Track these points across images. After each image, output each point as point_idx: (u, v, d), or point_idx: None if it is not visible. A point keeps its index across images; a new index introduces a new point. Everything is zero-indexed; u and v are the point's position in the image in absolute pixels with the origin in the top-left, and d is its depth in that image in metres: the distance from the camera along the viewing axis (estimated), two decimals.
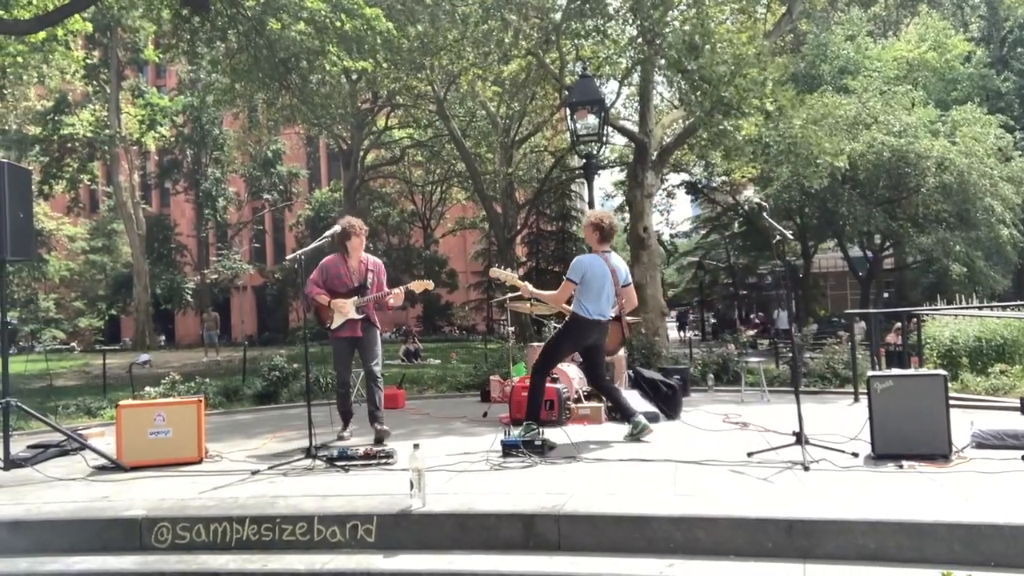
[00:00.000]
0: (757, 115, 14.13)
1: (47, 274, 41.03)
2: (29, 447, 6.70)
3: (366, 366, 6.81)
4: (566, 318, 6.59)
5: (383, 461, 5.67)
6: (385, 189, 41.61)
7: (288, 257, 7.03)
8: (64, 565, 4.30)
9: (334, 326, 6.71)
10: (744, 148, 15.33)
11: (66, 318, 44.17)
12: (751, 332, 24.88)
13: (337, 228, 6.59)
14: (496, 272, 6.97)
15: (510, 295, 9.95)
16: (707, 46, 13.02)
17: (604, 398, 7.13)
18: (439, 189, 40.36)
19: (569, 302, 6.54)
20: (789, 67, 18.20)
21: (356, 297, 6.69)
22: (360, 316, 6.71)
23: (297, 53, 14.91)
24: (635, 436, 6.24)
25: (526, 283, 6.81)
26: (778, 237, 5.73)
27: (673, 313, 43.80)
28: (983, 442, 5.35)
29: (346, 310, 6.65)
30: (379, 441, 6.41)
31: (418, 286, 7.04)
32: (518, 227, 30.80)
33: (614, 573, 3.74)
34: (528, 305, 9.33)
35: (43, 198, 34.45)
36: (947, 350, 10.63)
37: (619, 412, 6.66)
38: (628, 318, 9.26)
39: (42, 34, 15.72)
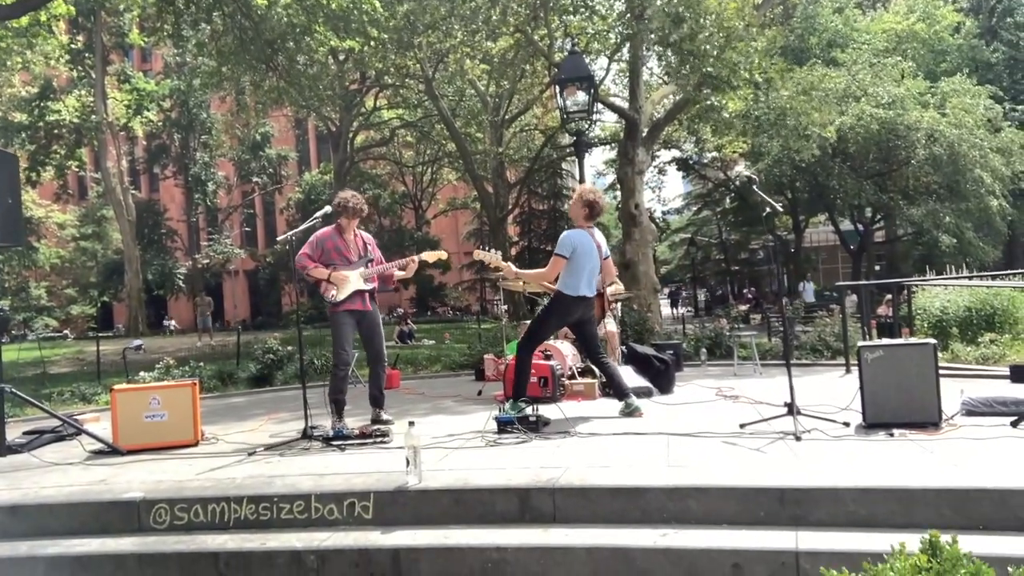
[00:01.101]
0: (746, 88, 14.09)
1: (38, 262, 40.82)
2: (25, 433, 6.72)
3: (375, 347, 6.48)
4: (553, 296, 6.52)
5: (379, 440, 5.71)
6: (375, 171, 41.43)
7: (280, 238, 6.79)
8: (64, 548, 4.33)
9: (340, 297, 6.23)
10: (733, 123, 15.32)
11: (58, 306, 44.05)
12: (743, 307, 25.01)
13: (329, 207, 6.48)
14: (479, 254, 6.88)
15: (503, 274, 9.99)
16: (691, 17, 12.94)
17: (600, 373, 7.15)
18: (430, 170, 40.22)
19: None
20: (778, 39, 18.13)
21: (363, 268, 6.38)
22: (368, 287, 6.39)
23: (283, 33, 14.80)
24: (628, 415, 6.28)
25: (508, 264, 6.76)
26: (768, 210, 5.74)
27: (665, 290, 43.91)
28: (973, 410, 5.41)
29: (348, 281, 6.29)
30: (379, 423, 6.34)
31: (431, 256, 6.81)
32: (510, 207, 30.73)
33: (609, 544, 3.79)
34: (521, 284, 9.38)
35: (31, 185, 34.17)
36: (937, 320, 10.72)
37: (612, 389, 6.70)
38: (614, 289, 9.35)
39: (25, 19, 15.58)
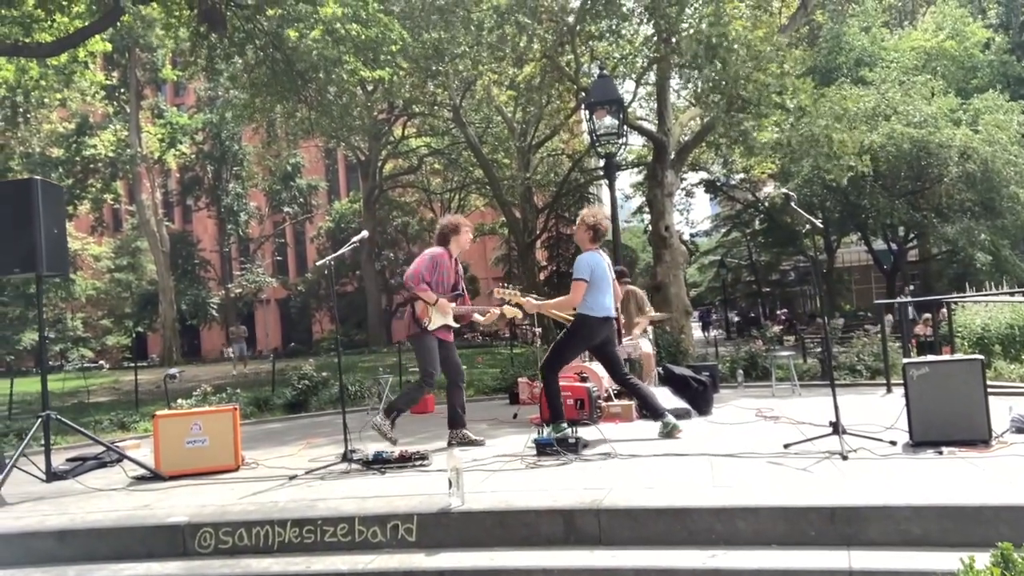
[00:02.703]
0: (777, 113, 14.08)
1: (74, 293, 41.48)
2: (68, 460, 6.81)
3: (455, 363, 6.59)
4: (575, 320, 6.53)
5: (418, 463, 5.70)
6: (404, 198, 41.76)
7: (318, 263, 6.90)
8: (111, 572, 4.35)
9: (432, 327, 6.36)
10: (763, 147, 15.27)
11: (93, 336, 44.67)
12: (777, 328, 24.74)
13: (366, 232, 6.55)
14: (500, 292, 6.91)
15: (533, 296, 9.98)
16: (724, 45, 12.97)
17: (631, 395, 7.11)
18: (457, 196, 40.44)
19: None
20: (806, 60, 18.11)
21: (455, 304, 6.49)
22: (456, 326, 6.57)
23: (314, 65, 15.04)
24: (667, 435, 6.23)
25: (528, 299, 6.82)
26: (808, 227, 5.69)
27: (696, 313, 43.62)
28: (1023, 427, 5.29)
29: (447, 313, 6.41)
30: (470, 443, 6.40)
31: (508, 312, 6.86)
32: (537, 232, 30.80)
33: (656, 565, 3.74)
34: (552, 311, 9.36)
35: (68, 218, 34.87)
36: (979, 338, 10.53)
37: (647, 409, 6.66)
38: (655, 315, 9.31)
39: (64, 56, 15.98)
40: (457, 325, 6.58)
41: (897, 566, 3.43)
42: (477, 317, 6.71)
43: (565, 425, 6.18)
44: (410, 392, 6.51)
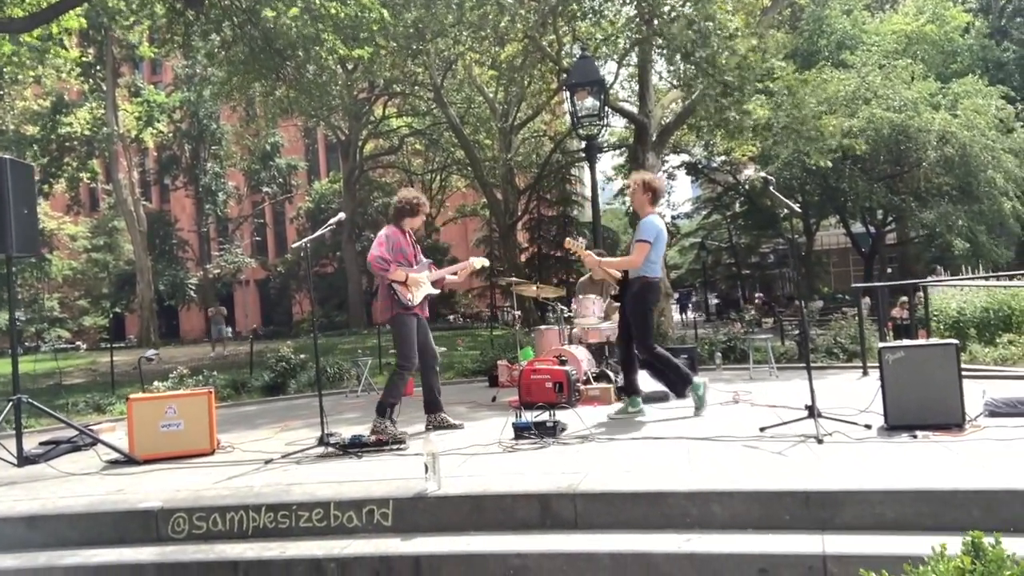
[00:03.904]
0: (760, 97, 14.10)
1: (50, 273, 41.02)
2: (41, 443, 6.72)
3: (432, 347, 6.50)
4: (635, 288, 6.39)
5: (395, 447, 5.67)
6: (385, 179, 41.51)
7: (294, 245, 6.78)
8: (83, 558, 4.30)
9: (416, 301, 6.25)
10: (746, 129, 15.28)
11: (70, 317, 44.21)
12: (753, 311, 24.91)
13: (343, 214, 6.48)
14: (569, 243, 7.08)
15: (514, 279, 9.96)
16: (710, 27, 12.90)
17: (657, 364, 6.90)
18: (439, 177, 40.26)
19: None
20: (787, 44, 18.07)
21: (427, 272, 6.39)
22: (435, 292, 6.46)
23: (293, 43, 14.85)
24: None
25: (590, 253, 6.85)
26: (786, 211, 5.69)
27: (675, 295, 43.82)
28: (996, 410, 5.34)
29: (421, 284, 6.28)
30: (448, 427, 6.39)
31: (479, 262, 6.86)
32: (519, 213, 30.74)
33: (632, 549, 3.74)
34: (534, 289, 9.35)
35: (43, 197, 34.37)
36: (954, 322, 10.64)
37: (673, 378, 6.70)
38: None
39: (36, 32, 15.66)
40: (437, 291, 6.51)
41: (871, 550, 3.44)
42: (451, 277, 6.70)
43: (640, 400, 6.41)
44: (393, 383, 6.36)
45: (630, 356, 6.70)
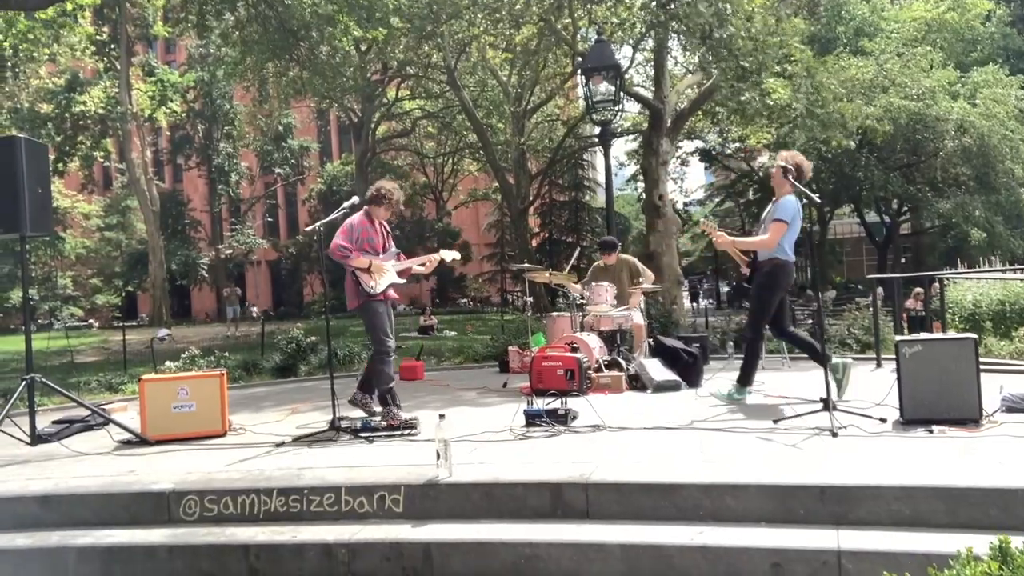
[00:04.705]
0: (777, 80, 13.95)
1: (63, 252, 41.23)
2: (54, 422, 6.74)
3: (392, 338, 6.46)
4: (766, 268, 6.20)
5: (406, 432, 5.66)
6: (397, 162, 41.48)
7: (307, 228, 6.74)
8: (94, 538, 4.32)
9: (379, 288, 6.23)
10: (764, 113, 15.12)
11: (83, 295, 44.50)
12: None
13: (356, 198, 6.45)
14: (704, 225, 7.03)
15: (527, 264, 9.92)
16: (728, 8, 12.76)
17: (799, 347, 6.76)
18: (451, 160, 40.20)
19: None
20: (805, 30, 17.85)
21: (393, 261, 6.39)
22: (400, 281, 6.43)
23: (307, 23, 14.78)
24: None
25: (722, 233, 6.59)
26: (804, 200, 5.62)
27: (685, 283, 43.60)
28: (1014, 406, 5.28)
29: (385, 272, 6.27)
30: (367, 410, 6.31)
31: (448, 255, 6.86)
32: (531, 198, 30.64)
33: (643, 541, 3.72)
34: (546, 275, 9.30)
35: (57, 176, 34.41)
36: (970, 314, 10.54)
37: (811, 356, 6.47)
38: (647, 286, 9.23)
39: (51, 10, 15.64)
40: (402, 281, 6.47)
41: (886, 546, 3.41)
42: (418, 268, 6.67)
43: (749, 390, 6.30)
44: (378, 371, 6.24)
45: (791, 336, 6.57)
